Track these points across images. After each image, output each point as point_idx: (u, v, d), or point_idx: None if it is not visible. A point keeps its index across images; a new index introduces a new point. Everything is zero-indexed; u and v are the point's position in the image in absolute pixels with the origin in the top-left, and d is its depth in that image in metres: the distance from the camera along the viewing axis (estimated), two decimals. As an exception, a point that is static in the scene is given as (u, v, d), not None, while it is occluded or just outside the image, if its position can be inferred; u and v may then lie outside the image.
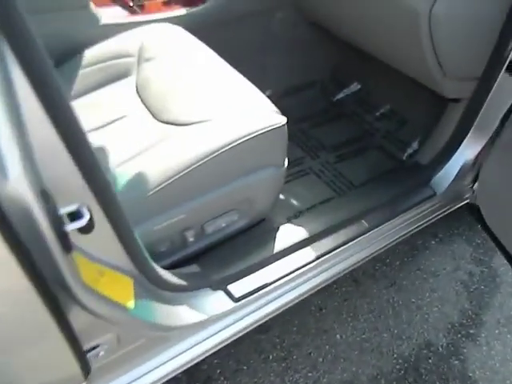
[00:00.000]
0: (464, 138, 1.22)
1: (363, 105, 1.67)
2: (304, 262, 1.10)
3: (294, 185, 1.35)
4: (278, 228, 1.14)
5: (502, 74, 1.10)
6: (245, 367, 1.25)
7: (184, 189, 0.88)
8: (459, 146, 1.23)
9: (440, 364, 1.31)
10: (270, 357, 1.28)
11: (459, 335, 1.39)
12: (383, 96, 1.63)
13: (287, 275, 1.08)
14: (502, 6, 1.00)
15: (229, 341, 1.05)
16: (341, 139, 1.56)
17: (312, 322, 1.38)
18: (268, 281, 1.05)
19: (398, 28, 1.08)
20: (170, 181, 0.84)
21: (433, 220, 1.36)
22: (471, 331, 1.40)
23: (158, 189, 0.84)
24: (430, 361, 1.32)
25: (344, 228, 1.19)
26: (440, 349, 1.35)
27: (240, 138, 0.90)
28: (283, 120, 0.96)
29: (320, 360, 1.29)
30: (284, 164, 1.04)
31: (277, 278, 1.06)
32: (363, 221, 1.22)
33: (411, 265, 1.58)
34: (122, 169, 0.87)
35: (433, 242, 1.66)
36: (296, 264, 1.09)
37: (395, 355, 1.32)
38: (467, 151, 1.24)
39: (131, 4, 1.33)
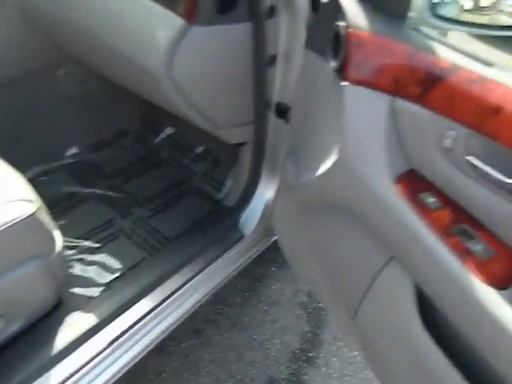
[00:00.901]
0: (259, 179, 1.24)
1: (179, 148, 1.64)
2: (113, 337, 1.02)
3: (100, 254, 1.25)
4: (78, 310, 1.04)
5: (273, 117, 1.14)
6: None
7: None
8: (257, 187, 1.25)
9: (283, 399, 1.32)
10: None
11: (300, 362, 1.42)
12: (196, 137, 1.62)
13: (98, 354, 0.98)
14: (246, 60, 1.03)
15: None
16: (157, 189, 1.51)
17: (149, 392, 1.29)
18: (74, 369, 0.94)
19: (155, 90, 1.06)
20: None
21: (249, 260, 1.37)
22: (310, 354, 1.44)
23: None
24: (274, 399, 1.32)
25: (156, 289, 1.13)
26: (282, 383, 1.36)
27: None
28: (32, 208, 0.86)
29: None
30: (53, 250, 0.94)
31: (87, 360, 0.96)
32: (176, 277, 1.17)
33: (253, 299, 1.58)
34: None
35: (273, 269, 1.69)
36: (106, 340, 1.00)
37: (239, 403, 1.30)
38: (266, 192, 1.27)
39: None
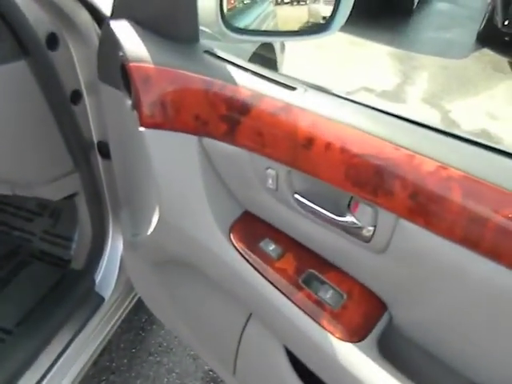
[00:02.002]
0: (105, 233, 1.06)
1: (7, 209, 1.36)
2: None
3: None
4: None
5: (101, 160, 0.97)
6: None
7: None
8: (105, 242, 1.07)
9: None
10: None
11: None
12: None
13: None
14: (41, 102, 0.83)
15: None
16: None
17: None
18: None
19: None
20: None
21: (120, 320, 1.18)
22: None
23: None
24: None
25: None
26: None
27: None
28: None
29: None
30: None
31: None
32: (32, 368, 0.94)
33: (142, 354, 1.40)
34: None
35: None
36: None
37: None
38: (119, 245, 1.09)
39: None
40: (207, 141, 0.55)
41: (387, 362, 0.49)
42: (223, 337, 0.73)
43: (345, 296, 0.53)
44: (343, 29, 0.68)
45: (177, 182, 0.58)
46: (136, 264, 0.95)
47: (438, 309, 0.48)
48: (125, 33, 0.57)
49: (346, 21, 0.67)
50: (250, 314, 0.64)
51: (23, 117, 0.84)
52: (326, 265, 0.54)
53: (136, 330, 1.45)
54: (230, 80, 0.52)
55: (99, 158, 1.00)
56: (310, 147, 0.47)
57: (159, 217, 0.62)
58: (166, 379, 1.35)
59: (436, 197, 0.42)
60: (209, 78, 0.53)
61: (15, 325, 1.08)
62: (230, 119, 0.52)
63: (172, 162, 0.57)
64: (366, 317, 0.52)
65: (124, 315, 1.20)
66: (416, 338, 0.52)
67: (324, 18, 0.69)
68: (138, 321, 1.46)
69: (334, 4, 0.67)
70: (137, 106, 0.57)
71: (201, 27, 0.61)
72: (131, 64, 0.56)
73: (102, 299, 1.10)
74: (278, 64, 1.82)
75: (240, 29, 0.64)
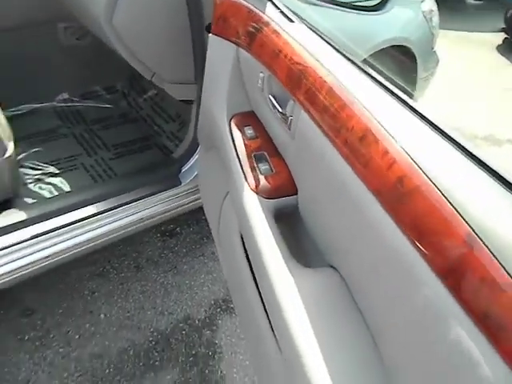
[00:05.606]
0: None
1: (157, 109, 1.84)
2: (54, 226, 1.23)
3: (57, 178, 1.47)
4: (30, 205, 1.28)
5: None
6: (-3, 347, 1.34)
7: None
8: (197, 147, 1.42)
9: (192, 334, 1.47)
10: (27, 337, 1.38)
11: (219, 309, 1.56)
12: (172, 101, 1.81)
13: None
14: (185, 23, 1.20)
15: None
16: (127, 139, 1.71)
17: (80, 305, 1.49)
18: None
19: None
20: None
21: (183, 207, 1.53)
22: (231, 305, 1.58)
23: None
24: (184, 332, 1.47)
25: (96, 203, 1.33)
26: (197, 322, 1.51)
27: None
28: None
29: (76, 337, 1.40)
30: (1, 155, 1.16)
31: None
32: (112, 199, 1.36)
33: (197, 252, 1.75)
34: None
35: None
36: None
37: (152, 329, 1.47)
38: None
39: None
40: (240, 50, 0.81)
41: (275, 222, 0.68)
42: (215, 205, 0.99)
43: (274, 170, 0.73)
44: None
45: (215, 76, 0.86)
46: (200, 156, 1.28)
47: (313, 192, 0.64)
48: None
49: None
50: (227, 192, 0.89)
51: (173, 29, 1.23)
52: (274, 151, 0.75)
53: (203, 235, 1.80)
54: (263, 10, 0.76)
55: None
56: (277, 57, 0.69)
57: (201, 104, 0.90)
58: (202, 276, 1.66)
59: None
60: (252, 8, 0.78)
61: (121, 174, 1.53)
62: (251, 35, 0.77)
63: (217, 61, 0.85)
64: (278, 189, 0.72)
65: (187, 206, 1.55)
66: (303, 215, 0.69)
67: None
68: (209, 230, 1.80)
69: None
70: (212, 19, 0.86)
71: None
72: None
73: (180, 182, 1.47)
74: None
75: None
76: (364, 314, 0.57)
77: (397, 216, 0.47)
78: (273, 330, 0.72)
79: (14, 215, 1.24)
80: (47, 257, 1.23)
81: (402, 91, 0.56)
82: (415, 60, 1.77)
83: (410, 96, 0.55)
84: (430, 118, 0.51)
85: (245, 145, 0.78)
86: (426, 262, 0.43)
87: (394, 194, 0.48)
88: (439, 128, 0.50)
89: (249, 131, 0.80)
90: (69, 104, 1.78)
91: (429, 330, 0.43)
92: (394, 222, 0.47)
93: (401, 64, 1.73)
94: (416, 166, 0.47)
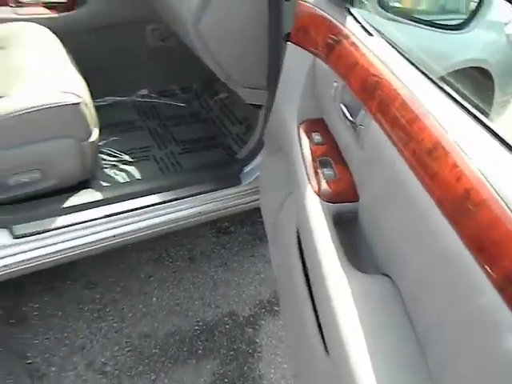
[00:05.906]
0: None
1: (226, 111, 1.93)
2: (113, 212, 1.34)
3: (130, 166, 1.59)
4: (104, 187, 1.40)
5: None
6: (60, 313, 1.46)
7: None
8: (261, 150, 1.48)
9: (234, 330, 1.52)
10: (86, 308, 1.50)
11: (263, 310, 1.60)
12: (240, 105, 1.89)
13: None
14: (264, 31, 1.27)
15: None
16: (196, 136, 1.81)
17: (137, 286, 1.60)
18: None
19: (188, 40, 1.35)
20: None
21: (240, 207, 1.59)
22: (275, 308, 1.61)
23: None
24: (227, 326, 1.53)
25: (160, 193, 1.43)
26: (241, 318, 1.56)
27: (30, 108, 1.16)
28: (75, 99, 1.22)
29: (129, 315, 1.50)
30: (87, 139, 1.29)
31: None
32: (173, 192, 1.45)
33: (248, 253, 1.80)
34: None
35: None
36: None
37: (198, 319, 1.53)
38: None
39: (11, 4, 1.61)
40: (317, 60, 0.85)
41: (335, 227, 0.71)
42: (274, 205, 1.03)
43: (337, 176, 0.76)
44: None
45: (289, 82, 0.90)
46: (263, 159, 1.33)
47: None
48: None
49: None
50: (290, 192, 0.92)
51: (254, 37, 1.30)
52: (339, 158, 0.78)
53: (257, 237, 1.85)
54: (342, 23, 0.80)
55: None
56: (354, 68, 0.72)
57: (273, 109, 0.96)
58: (251, 275, 1.71)
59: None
60: (332, 20, 0.82)
61: (186, 168, 1.62)
62: (329, 47, 0.80)
63: (293, 68, 0.89)
64: (340, 194, 0.74)
65: (244, 206, 1.60)
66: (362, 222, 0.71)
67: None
68: (263, 233, 1.85)
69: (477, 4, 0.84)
70: (292, 29, 0.91)
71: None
72: (300, 1, 0.90)
73: (240, 182, 1.53)
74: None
75: (388, 5, 0.89)
76: (415, 323, 0.58)
77: (460, 227, 0.49)
78: (321, 331, 0.74)
79: (90, 195, 1.36)
80: (114, 236, 1.34)
81: (477, 109, 0.57)
82: (493, 83, 1.71)
83: (486, 115, 0.55)
84: (502, 136, 0.52)
85: (311, 149, 0.82)
86: (485, 273, 0.44)
87: (459, 205, 0.49)
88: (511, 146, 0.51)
89: (316, 137, 0.83)
90: (147, 99, 1.92)
91: (482, 341, 0.44)
92: (457, 233, 0.49)
93: (478, 85, 1.68)
94: (484, 179, 0.48)
